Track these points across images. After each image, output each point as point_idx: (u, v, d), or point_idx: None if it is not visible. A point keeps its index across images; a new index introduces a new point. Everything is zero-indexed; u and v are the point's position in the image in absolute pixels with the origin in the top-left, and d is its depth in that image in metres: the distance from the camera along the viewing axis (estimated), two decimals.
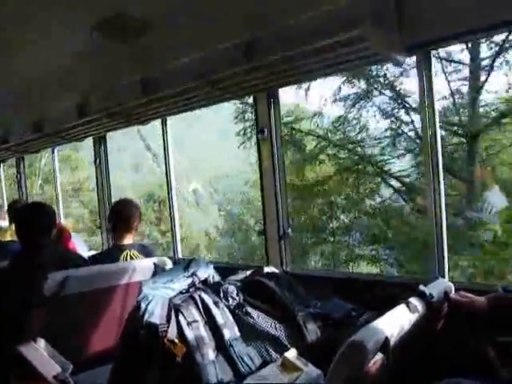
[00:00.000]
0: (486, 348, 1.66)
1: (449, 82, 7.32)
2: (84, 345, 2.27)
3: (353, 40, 1.92)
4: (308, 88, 8.88)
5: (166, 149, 3.59)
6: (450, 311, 1.80)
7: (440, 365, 1.69)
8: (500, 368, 1.59)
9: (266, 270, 2.27)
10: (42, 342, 1.97)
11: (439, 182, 2.07)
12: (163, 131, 3.56)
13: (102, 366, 2.03)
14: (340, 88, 8.44)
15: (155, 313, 1.72)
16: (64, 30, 2.82)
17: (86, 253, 3.59)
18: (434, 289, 1.79)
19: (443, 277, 2.10)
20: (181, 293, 1.88)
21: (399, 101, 8.06)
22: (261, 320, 1.83)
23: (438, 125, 2.04)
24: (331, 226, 9.38)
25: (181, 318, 1.72)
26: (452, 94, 7.37)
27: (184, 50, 2.81)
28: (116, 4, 2.53)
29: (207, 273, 2.04)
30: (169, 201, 3.74)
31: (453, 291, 1.87)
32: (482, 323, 1.73)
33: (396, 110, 8.20)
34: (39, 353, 1.91)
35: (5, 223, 4.42)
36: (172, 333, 1.67)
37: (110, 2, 2.53)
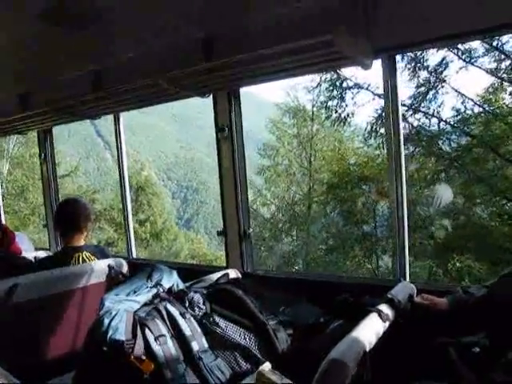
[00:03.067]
0: (448, 349, 1.72)
1: None
2: (38, 356, 2.15)
3: (320, 44, 1.88)
4: None
5: (119, 146, 3.39)
6: (413, 314, 1.85)
7: (405, 367, 1.73)
8: (463, 368, 1.66)
9: (232, 274, 2.23)
10: None
11: (402, 186, 2.10)
12: (116, 127, 3.35)
13: (58, 377, 1.96)
14: None
15: (119, 329, 1.64)
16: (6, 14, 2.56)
17: (32, 253, 3.44)
18: (399, 292, 1.84)
19: (404, 278, 2.15)
20: (145, 304, 1.81)
21: None
22: (229, 330, 1.80)
23: (401, 130, 2.06)
24: None
25: (147, 332, 1.65)
26: None
27: (137, 44, 2.66)
28: None
29: (171, 281, 1.97)
30: (122, 200, 3.56)
31: (415, 293, 1.93)
32: (444, 325, 1.80)
33: None
34: None
35: None
36: (139, 349, 1.60)
37: None
